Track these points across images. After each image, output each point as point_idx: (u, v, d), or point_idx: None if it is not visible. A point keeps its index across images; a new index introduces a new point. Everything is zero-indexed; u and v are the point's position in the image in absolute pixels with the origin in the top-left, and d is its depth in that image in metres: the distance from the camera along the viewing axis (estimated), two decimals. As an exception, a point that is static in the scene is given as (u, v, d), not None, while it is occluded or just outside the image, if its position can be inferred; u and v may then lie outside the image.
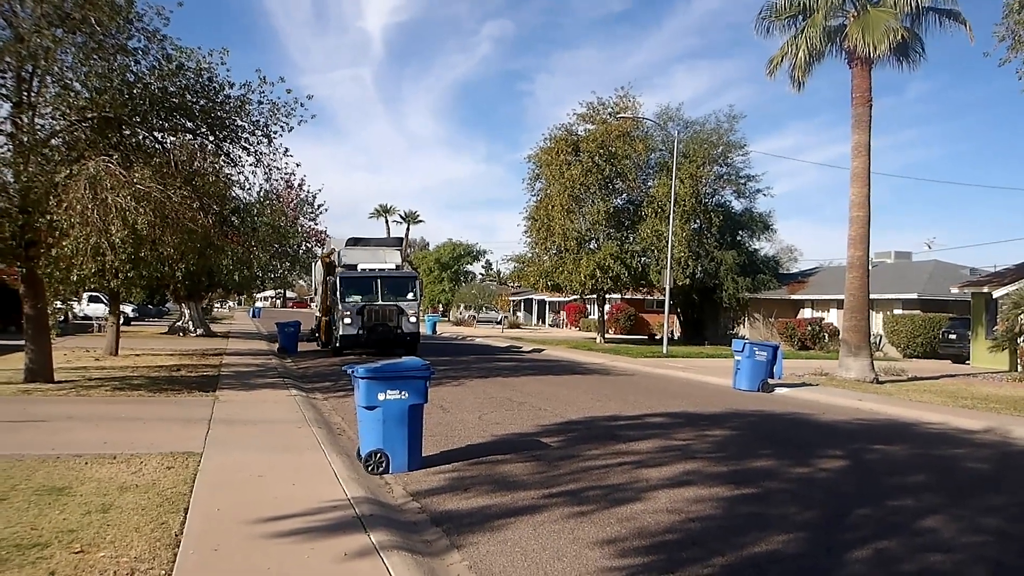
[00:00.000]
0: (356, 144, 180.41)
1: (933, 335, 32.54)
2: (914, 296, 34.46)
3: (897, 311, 34.90)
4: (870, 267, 22.49)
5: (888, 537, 6.63)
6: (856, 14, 21.51)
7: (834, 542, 6.47)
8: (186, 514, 6.24)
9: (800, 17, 22.65)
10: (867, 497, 8.06)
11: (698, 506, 7.41)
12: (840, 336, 25.35)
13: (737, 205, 40.78)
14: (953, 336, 31.11)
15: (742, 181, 39.73)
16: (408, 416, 8.50)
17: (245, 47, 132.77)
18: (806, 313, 40.03)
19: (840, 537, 6.62)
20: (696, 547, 6.18)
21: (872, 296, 23.59)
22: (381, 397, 8.37)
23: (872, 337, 24.36)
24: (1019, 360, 24.74)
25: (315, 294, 38.04)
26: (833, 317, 37.27)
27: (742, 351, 18.47)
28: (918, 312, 34.06)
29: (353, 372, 8.49)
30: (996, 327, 25.02)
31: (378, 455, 8.44)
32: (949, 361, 30.25)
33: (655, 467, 9.11)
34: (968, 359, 29.07)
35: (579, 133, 37.95)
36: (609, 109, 37.38)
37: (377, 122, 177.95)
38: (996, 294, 26.20)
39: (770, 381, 18.30)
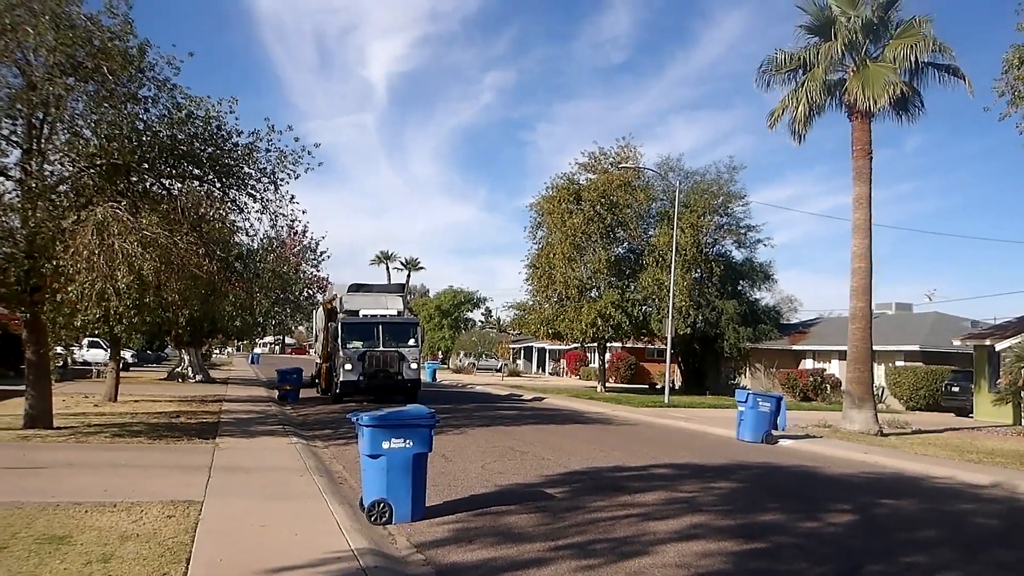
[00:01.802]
0: (358, 189, 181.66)
1: (936, 387, 32.31)
2: (916, 348, 34.33)
3: (899, 363, 34.73)
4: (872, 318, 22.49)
5: (902, 594, 6.51)
6: (856, 68, 21.86)
7: (847, 599, 6.35)
8: (188, 564, 6.14)
9: (800, 71, 23.02)
10: (878, 553, 7.93)
11: (707, 560, 7.29)
12: (843, 388, 25.22)
13: (738, 255, 41.08)
14: (956, 388, 30.91)
15: (743, 231, 40.05)
16: (412, 465, 8.42)
17: (250, 93, 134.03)
18: (807, 364, 39.84)
19: (853, 594, 6.50)
20: (707, 603, 6.07)
21: (874, 348, 23.54)
22: (386, 446, 8.30)
23: (875, 389, 24.23)
24: (1023, 414, 24.60)
25: (315, 340, 37.92)
26: (835, 368, 37.10)
27: (745, 401, 18.34)
28: (920, 364, 33.89)
29: (358, 420, 8.42)
30: (999, 380, 24.89)
31: (381, 505, 8.34)
32: (952, 414, 30.02)
33: (662, 520, 8.98)
34: (971, 412, 28.84)
35: (581, 182, 38.29)
36: (610, 159, 37.76)
37: (380, 168, 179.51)
38: (999, 347, 26.13)
39: (774, 432, 18.15)
